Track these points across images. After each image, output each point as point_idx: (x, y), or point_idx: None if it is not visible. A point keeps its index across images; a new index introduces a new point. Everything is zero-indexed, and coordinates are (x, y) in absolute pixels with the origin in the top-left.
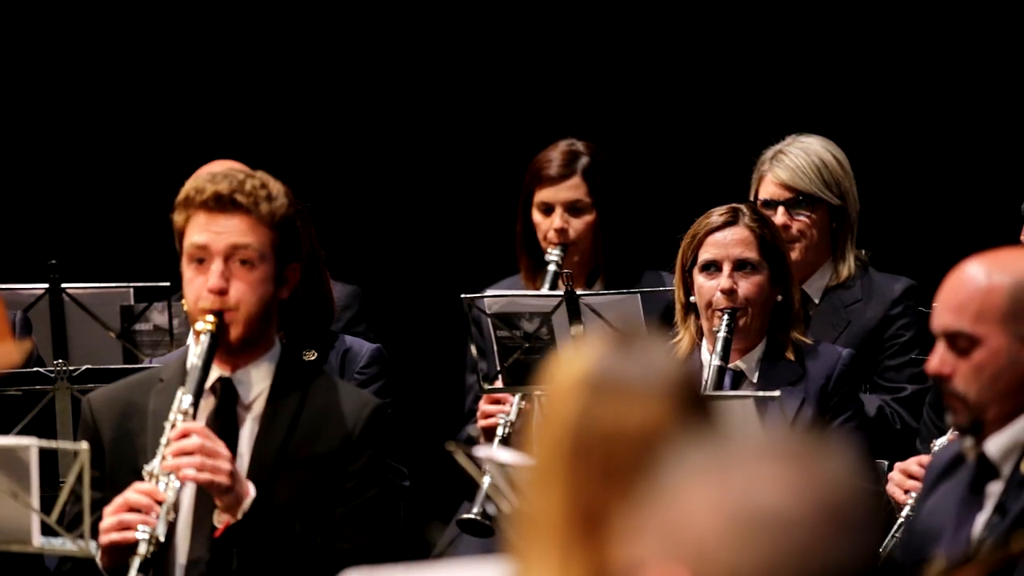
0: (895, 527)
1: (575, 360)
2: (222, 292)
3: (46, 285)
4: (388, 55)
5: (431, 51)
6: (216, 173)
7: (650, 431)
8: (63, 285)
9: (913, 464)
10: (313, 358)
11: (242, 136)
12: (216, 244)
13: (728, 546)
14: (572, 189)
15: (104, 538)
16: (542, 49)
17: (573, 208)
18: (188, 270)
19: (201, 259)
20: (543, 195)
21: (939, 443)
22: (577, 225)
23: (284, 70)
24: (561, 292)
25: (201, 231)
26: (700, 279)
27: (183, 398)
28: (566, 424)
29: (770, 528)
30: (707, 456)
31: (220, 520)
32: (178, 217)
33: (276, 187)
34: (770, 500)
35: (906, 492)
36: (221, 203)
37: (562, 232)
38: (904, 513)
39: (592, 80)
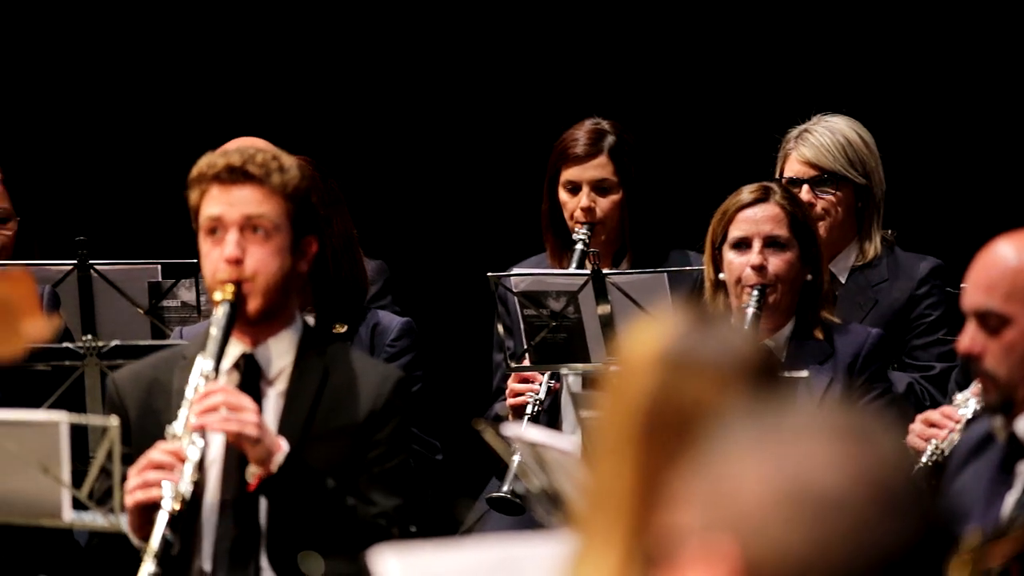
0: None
1: (648, 337)
2: (238, 261)
3: (75, 261)
4: (417, 33)
5: (459, 29)
6: (228, 148)
7: (722, 409)
8: (91, 261)
9: (935, 413)
10: (343, 331)
11: (270, 113)
12: (230, 215)
13: (777, 521)
14: (598, 168)
15: (129, 499)
16: (568, 28)
17: (599, 187)
18: (204, 243)
19: (216, 231)
20: (569, 174)
21: (959, 398)
22: (604, 204)
23: (312, 48)
24: (588, 271)
25: (215, 203)
26: (730, 256)
27: (204, 364)
28: (639, 400)
29: (821, 506)
30: (759, 430)
31: (253, 474)
32: (193, 194)
33: (288, 160)
34: (822, 478)
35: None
36: (234, 175)
37: (589, 211)
38: (923, 459)
39: (618, 58)
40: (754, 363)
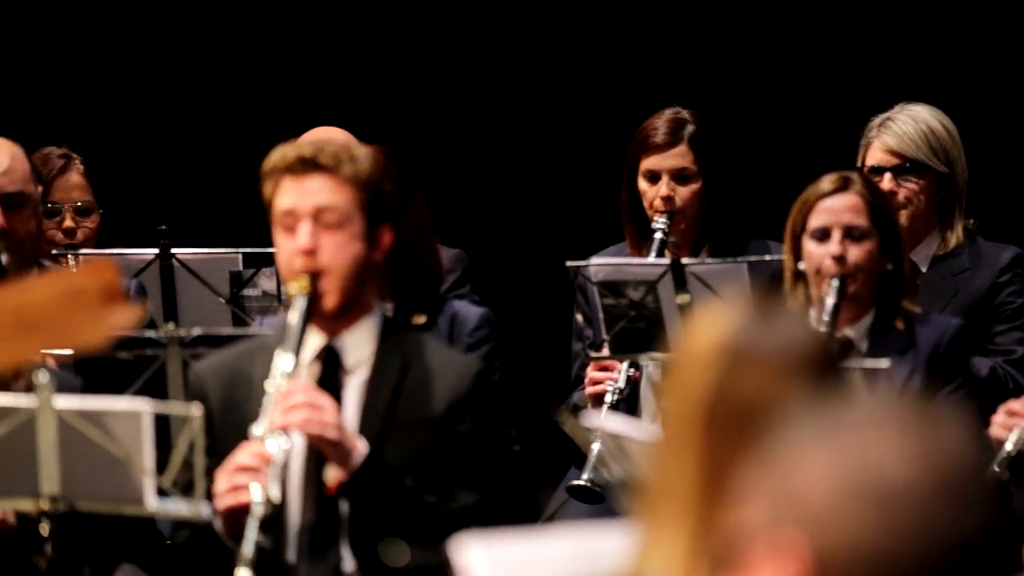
0: (995, 461)
1: (711, 327)
2: (312, 252)
3: (156, 250)
4: (496, 20)
5: (543, 16)
6: (299, 140)
7: (786, 401)
8: (173, 250)
9: (1018, 403)
10: (422, 323)
11: (347, 103)
12: (302, 206)
13: (846, 515)
14: (678, 157)
15: (219, 504)
16: (650, 15)
17: (679, 176)
18: (279, 236)
19: (289, 223)
20: (649, 163)
21: None
22: (683, 193)
23: (392, 37)
24: (667, 260)
25: (287, 195)
26: (810, 245)
27: (284, 359)
28: (701, 392)
29: (890, 499)
30: (824, 422)
31: (332, 477)
32: (266, 186)
33: (360, 150)
34: (891, 470)
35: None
36: (305, 166)
37: (668, 200)
38: (1007, 448)
39: (699, 47)
40: (816, 353)
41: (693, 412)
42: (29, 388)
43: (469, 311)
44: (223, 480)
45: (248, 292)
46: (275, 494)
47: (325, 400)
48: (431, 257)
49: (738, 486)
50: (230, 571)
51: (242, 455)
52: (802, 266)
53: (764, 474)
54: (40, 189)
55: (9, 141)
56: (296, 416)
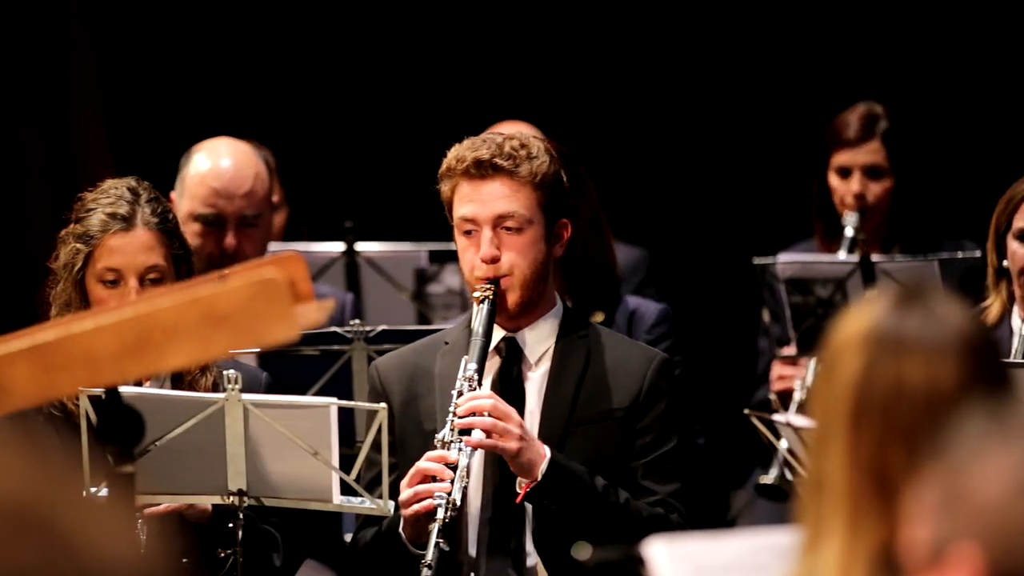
0: None
1: (859, 316)
2: (494, 260)
3: (342, 247)
4: (681, 16)
5: (725, 13)
6: (475, 139)
7: (936, 391)
8: (358, 246)
9: None
10: (601, 320)
11: (533, 97)
12: (482, 214)
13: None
14: (871, 153)
15: (405, 511)
16: (837, 11)
17: (871, 172)
18: (460, 240)
19: (470, 229)
20: (841, 158)
21: None
22: (875, 189)
23: (578, 33)
24: (857, 258)
25: (466, 202)
26: (1014, 245)
27: (468, 366)
28: (848, 382)
29: None
30: (1000, 426)
31: (521, 483)
32: (444, 188)
33: (537, 146)
34: None
35: None
36: (482, 169)
37: (860, 197)
38: None
39: (890, 41)
40: (973, 342)
41: (840, 403)
42: (215, 385)
43: (648, 307)
44: (408, 487)
45: (432, 288)
46: (459, 499)
47: (510, 410)
48: (605, 251)
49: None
50: (410, 572)
51: (425, 462)
52: (1006, 264)
53: (938, 482)
54: (276, 200)
55: (254, 153)
56: (480, 421)
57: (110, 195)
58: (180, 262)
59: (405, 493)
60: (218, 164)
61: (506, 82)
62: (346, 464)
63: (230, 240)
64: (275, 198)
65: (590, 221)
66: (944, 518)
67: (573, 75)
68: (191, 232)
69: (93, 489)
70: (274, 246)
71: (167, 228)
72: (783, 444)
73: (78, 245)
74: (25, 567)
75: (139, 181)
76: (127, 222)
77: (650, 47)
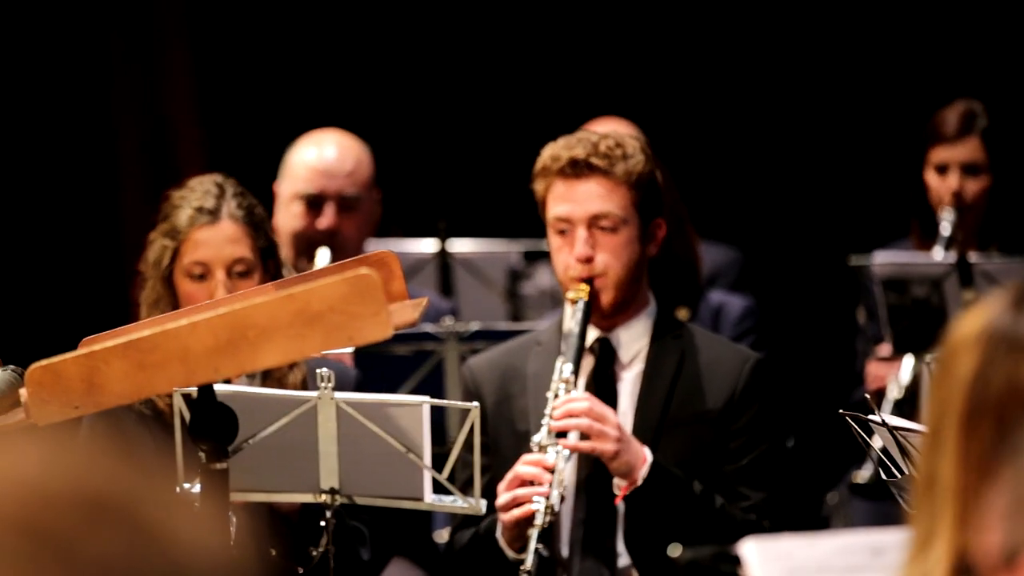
0: None
1: (975, 315)
2: (589, 260)
3: (436, 245)
4: (775, 13)
5: (818, 9)
6: (571, 138)
7: None
8: (451, 246)
9: None
10: (686, 317)
11: (623, 94)
12: (577, 214)
13: None
14: (970, 150)
15: (504, 516)
16: (937, 8)
17: (969, 169)
18: (554, 240)
19: (565, 229)
20: (939, 155)
21: None
22: (973, 187)
23: (669, 33)
24: (953, 257)
25: (561, 202)
26: None
27: (563, 367)
28: (962, 381)
29: None
30: None
31: (619, 486)
32: (538, 186)
33: (632, 145)
34: None
35: None
36: (577, 168)
37: (957, 194)
38: None
39: (989, 40)
40: None
41: (953, 404)
42: (305, 381)
43: (732, 302)
44: (505, 494)
45: (525, 288)
46: (557, 504)
47: (607, 412)
48: (687, 248)
49: (989, 495)
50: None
51: (522, 466)
52: None
53: (1007, 486)
54: (378, 193)
55: (359, 142)
56: (576, 423)
57: (196, 191)
58: (267, 256)
59: (503, 497)
60: (321, 148)
61: (599, 78)
62: (437, 463)
63: (330, 220)
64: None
65: (673, 218)
66: (1016, 523)
67: (668, 72)
68: (293, 214)
69: (187, 486)
70: (366, 245)
71: (253, 221)
72: (877, 443)
73: (165, 242)
74: (110, 559)
75: (225, 176)
76: (213, 215)
77: (746, 44)
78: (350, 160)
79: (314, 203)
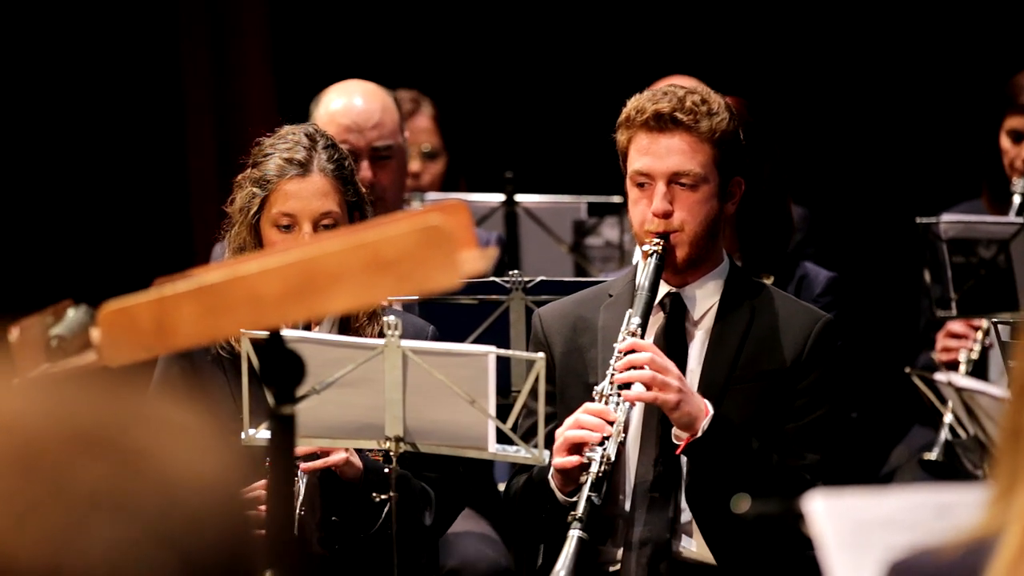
0: None
1: None
2: (666, 215)
3: (502, 197)
4: None
5: None
6: (656, 91)
7: None
8: (518, 197)
9: None
10: (771, 282)
11: (700, 53)
12: (658, 169)
13: None
14: None
15: (557, 461)
16: None
17: None
18: (632, 192)
19: (644, 183)
20: (1013, 122)
21: None
22: None
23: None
24: (1022, 220)
25: (643, 155)
26: None
27: (631, 320)
28: None
29: None
30: None
31: (679, 437)
32: (621, 137)
33: (717, 101)
34: None
35: None
36: (661, 122)
37: None
38: None
39: None
40: None
41: None
42: (381, 334)
43: (817, 273)
44: (563, 438)
45: (590, 241)
46: (613, 454)
47: (668, 363)
48: (782, 214)
49: None
50: (562, 522)
51: (583, 414)
52: None
53: None
54: (407, 136)
55: (382, 90)
56: (638, 375)
57: (288, 140)
58: (354, 209)
59: (559, 443)
60: (346, 101)
61: (669, 36)
62: (502, 413)
63: (365, 172)
64: (433, 145)
65: (773, 184)
66: None
67: (739, 33)
68: None
69: (252, 431)
70: (433, 196)
71: (343, 175)
72: (948, 417)
73: (254, 189)
74: (99, 490)
75: (316, 128)
76: (304, 168)
77: (817, 5)
78: (375, 111)
79: None
